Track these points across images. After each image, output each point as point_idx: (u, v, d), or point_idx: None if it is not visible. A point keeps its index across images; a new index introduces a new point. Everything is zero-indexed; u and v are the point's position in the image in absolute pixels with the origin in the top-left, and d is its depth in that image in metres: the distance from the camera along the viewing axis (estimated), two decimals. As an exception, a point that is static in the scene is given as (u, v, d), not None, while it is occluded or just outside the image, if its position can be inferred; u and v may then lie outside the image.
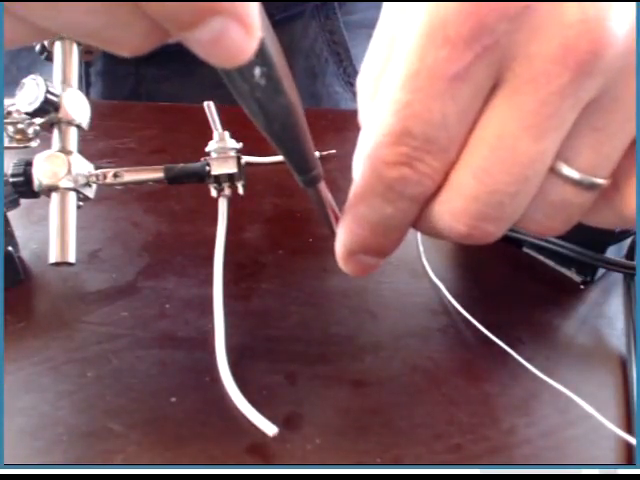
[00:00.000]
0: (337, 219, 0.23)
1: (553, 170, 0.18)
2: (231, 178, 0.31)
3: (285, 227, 0.37)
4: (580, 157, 0.18)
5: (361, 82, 0.21)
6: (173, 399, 0.25)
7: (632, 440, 0.24)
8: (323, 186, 0.22)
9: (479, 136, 0.17)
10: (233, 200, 0.32)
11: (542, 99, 0.16)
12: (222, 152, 0.31)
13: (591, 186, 0.18)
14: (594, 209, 0.19)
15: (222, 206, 0.31)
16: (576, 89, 0.16)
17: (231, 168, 0.30)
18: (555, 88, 0.16)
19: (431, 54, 0.16)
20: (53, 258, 0.27)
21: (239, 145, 0.32)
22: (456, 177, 0.18)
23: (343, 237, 0.21)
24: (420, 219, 0.20)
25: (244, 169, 0.31)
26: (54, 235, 0.27)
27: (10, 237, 0.31)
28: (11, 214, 0.31)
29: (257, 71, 0.16)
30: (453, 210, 0.18)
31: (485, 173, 0.17)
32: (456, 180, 0.18)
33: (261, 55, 0.15)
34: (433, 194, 0.19)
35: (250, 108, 0.17)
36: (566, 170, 0.18)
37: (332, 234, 0.23)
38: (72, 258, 0.27)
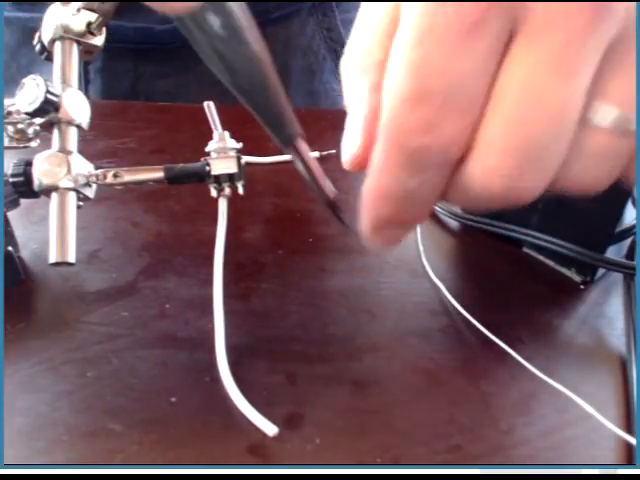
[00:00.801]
0: (320, 184, 0.23)
1: (586, 119, 0.17)
2: (231, 178, 0.31)
3: (285, 227, 0.37)
4: (610, 98, 0.17)
5: (346, 62, 0.20)
6: (173, 399, 0.25)
7: (632, 440, 0.24)
8: (304, 147, 0.22)
9: (504, 86, 0.16)
10: (233, 200, 0.32)
11: (565, 39, 0.16)
12: (222, 152, 0.31)
13: (625, 131, 0.17)
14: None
15: (222, 206, 0.31)
16: (598, 25, 0.16)
17: (231, 168, 0.30)
18: (576, 26, 0.15)
19: (443, 8, 0.16)
20: (53, 258, 0.27)
21: (239, 145, 0.32)
22: (485, 133, 0.17)
23: (367, 214, 0.20)
24: (450, 188, 0.19)
25: (244, 169, 0.31)
26: (54, 235, 0.27)
27: (10, 237, 0.31)
28: (11, 214, 0.31)
29: (215, 21, 0.15)
30: (486, 170, 0.17)
31: (517, 123, 0.16)
32: (485, 136, 0.17)
33: (219, 5, 0.15)
34: (460, 159, 0.18)
35: (213, 62, 0.17)
36: (600, 115, 0.17)
37: (319, 197, 0.23)
38: (72, 258, 0.27)
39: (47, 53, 0.33)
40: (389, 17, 0.19)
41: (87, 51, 0.33)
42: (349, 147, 0.21)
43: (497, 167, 0.17)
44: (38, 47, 0.34)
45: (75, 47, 0.32)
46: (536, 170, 0.17)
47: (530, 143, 0.17)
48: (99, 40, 0.33)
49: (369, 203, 0.20)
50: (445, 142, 0.17)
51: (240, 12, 0.16)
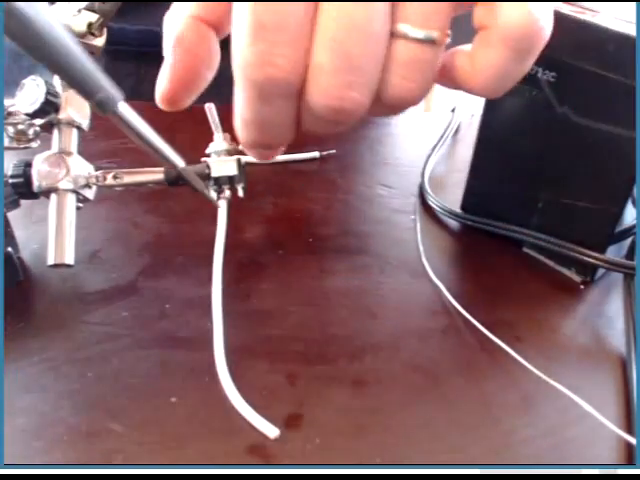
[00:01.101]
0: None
1: (394, 33, 0.20)
2: (231, 180, 0.31)
3: (285, 227, 0.37)
4: (412, 15, 0.20)
5: (166, 19, 0.23)
6: (173, 399, 0.25)
7: (632, 440, 0.24)
8: (127, 110, 0.22)
9: (323, 13, 0.20)
10: (233, 200, 0.32)
11: None
12: (222, 154, 0.31)
13: (429, 39, 0.20)
14: (452, 68, 0.22)
15: (222, 209, 0.31)
16: None
17: (231, 171, 0.30)
18: None
19: None
20: (51, 260, 0.27)
21: (240, 147, 0.32)
22: (314, 58, 0.20)
23: (239, 135, 0.23)
24: (302, 113, 0.22)
25: (245, 172, 0.31)
26: (52, 237, 0.27)
27: (10, 238, 0.31)
28: (11, 214, 0.31)
29: None
30: (321, 89, 0.20)
31: (335, 42, 0.19)
32: (314, 60, 0.20)
33: None
34: (303, 86, 0.21)
35: None
36: (403, 28, 0.20)
37: (164, 165, 0.23)
38: (70, 260, 0.27)
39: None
40: None
41: (88, 52, 0.33)
42: (159, 87, 0.23)
43: (328, 84, 0.20)
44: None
45: (77, 48, 0.32)
46: (360, 83, 0.20)
47: (350, 60, 0.20)
48: (100, 41, 0.33)
49: (238, 129, 0.23)
50: (284, 72, 0.20)
51: None
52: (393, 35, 0.21)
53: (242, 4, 0.20)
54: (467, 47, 0.23)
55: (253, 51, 0.20)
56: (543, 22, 0.21)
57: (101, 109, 0.21)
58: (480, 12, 0.22)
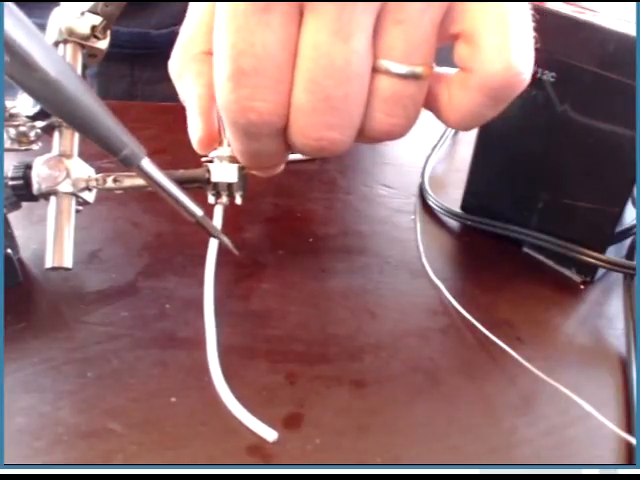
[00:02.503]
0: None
1: (376, 69, 0.20)
2: (230, 187, 0.30)
3: (285, 227, 0.37)
4: (394, 50, 0.19)
5: (173, 58, 0.24)
6: (173, 399, 0.26)
7: (632, 440, 0.24)
8: (151, 168, 0.23)
9: (301, 55, 0.19)
10: (232, 202, 0.32)
11: (339, 6, 0.18)
12: (225, 160, 0.30)
13: (413, 75, 0.20)
14: (437, 98, 0.22)
15: (217, 214, 0.31)
16: None
17: (232, 178, 0.30)
18: None
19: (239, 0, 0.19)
20: (50, 263, 0.27)
21: None
22: (293, 99, 0.20)
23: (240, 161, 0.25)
24: (289, 145, 0.22)
25: (246, 179, 0.30)
26: (51, 239, 0.27)
27: (10, 239, 0.31)
28: (12, 215, 0.31)
29: None
30: (301, 129, 0.20)
31: (313, 84, 0.19)
32: (294, 101, 0.20)
33: None
34: (286, 124, 0.21)
35: (24, 87, 0.18)
36: (385, 63, 0.20)
37: (185, 214, 0.25)
38: (69, 263, 0.27)
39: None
40: (208, 13, 0.23)
41: (91, 55, 0.33)
42: (193, 133, 0.25)
43: (307, 125, 0.20)
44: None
45: (79, 50, 0.32)
46: (341, 123, 0.20)
47: (329, 100, 0.19)
48: (103, 44, 0.33)
49: (236, 156, 0.25)
50: (265, 115, 0.20)
51: (28, 36, 0.17)
52: (375, 70, 0.20)
53: (221, 49, 0.19)
54: (451, 72, 0.22)
55: (234, 97, 0.20)
56: (523, 74, 0.20)
57: (126, 164, 0.22)
58: (463, 50, 0.21)
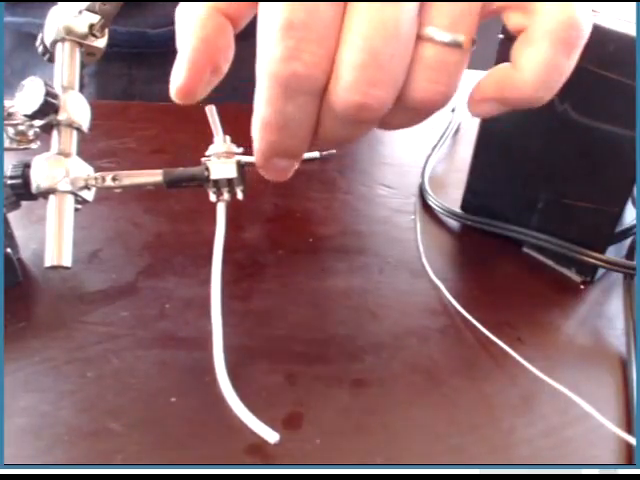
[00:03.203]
0: None
1: (420, 37, 0.21)
2: (230, 183, 0.30)
3: (285, 227, 0.37)
4: (439, 18, 0.21)
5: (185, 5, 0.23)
6: (173, 399, 0.26)
7: (632, 440, 0.24)
8: None
9: (352, 13, 0.20)
10: (233, 200, 0.32)
11: None
12: (222, 157, 0.30)
13: (455, 43, 0.21)
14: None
15: (220, 211, 0.31)
16: None
17: (231, 173, 0.30)
18: None
19: None
20: (49, 262, 0.27)
21: (240, 150, 0.31)
22: (341, 54, 0.20)
23: (256, 145, 0.24)
24: (322, 116, 0.22)
25: (244, 175, 0.30)
26: (50, 238, 0.27)
27: (10, 238, 0.31)
28: (11, 214, 0.31)
29: None
30: (346, 84, 0.21)
31: (363, 41, 0.20)
32: (341, 57, 0.20)
33: None
34: (326, 85, 0.21)
35: None
36: (430, 31, 0.21)
37: None
38: (68, 262, 0.27)
39: (49, 55, 0.33)
40: None
41: (89, 53, 0.33)
42: (175, 80, 0.23)
43: (354, 80, 0.20)
44: (40, 49, 0.33)
45: (77, 49, 0.32)
46: (384, 82, 0.21)
47: (376, 58, 0.20)
48: (101, 42, 0.33)
49: (256, 133, 0.23)
50: (310, 67, 0.20)
51: None
52: (420, 38, 0.21)
53: (270, 3, 0.20)
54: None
55: (280, 47, 0.20)
56: (584, 14, 0.21)
57: None
58: (515, 16, 0.22)
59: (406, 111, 0.23)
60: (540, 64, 0.22)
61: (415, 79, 0.22)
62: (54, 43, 0.32)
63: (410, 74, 0.21)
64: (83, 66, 0.32)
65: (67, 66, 0.31)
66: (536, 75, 0.22)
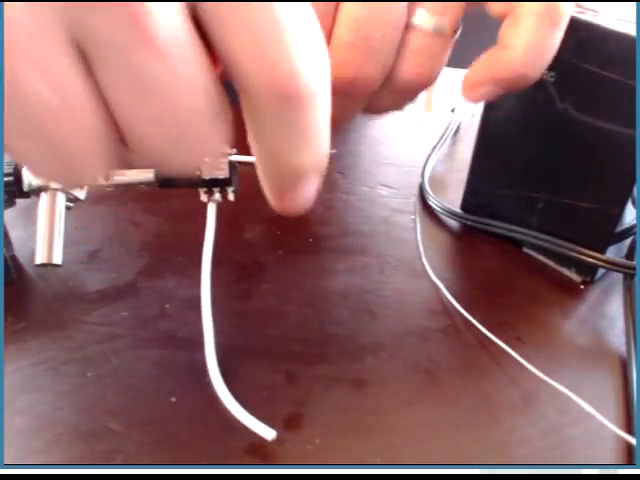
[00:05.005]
0: None
1: (408, 26, 0.23)
2: (222, 183, 0.30)
3: (285, 227, 0.37)
4: (425, 6, 0.23)
5: None
6: (173, 399, 0.25)
7: (632, 440, 0.24)
8: None
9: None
10: (233, 200, 0.32)
11: None
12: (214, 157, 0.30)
13: (440, 30, 0.23)
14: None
15: (211, 212, 0.31)
16: None
17: (222, 174, 0.30)
18: None
19: None
20: (39, 259, 0.27)
21: (233, 151, 0.31)
22: (335, 35, 0.23)
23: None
24: None
25: (237, 175, 0.30)
26: (41, 236, 0.27)
27: (4, 236, 0.31)
28: (9, 214, 0.31)
29: None
30: (339, 62, 0.22)
31: (356, 23, 0.22)
32: (336, 36, 0.23)
33: None
34: None
35: None
36: (416, 20, 0.23)
37: None
38: (58, 260, 0.27)
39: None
40: None
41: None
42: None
43: (345, 57, 0.23)
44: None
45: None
46: (375, 61, 0.23)
47: (368, 39, 0.22)
48: None
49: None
50: None
51: None
52: (408, 27, 0.23)
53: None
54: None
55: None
56: None
57: None
58: (498, 5, 0.24)
59: (393, 93, 0.25)
60: (527, 39, 0.23)
61: (403, 63, 0.24)
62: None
63: (398, 58, 0.24)
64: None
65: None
66: (524, 50, 0.23)
